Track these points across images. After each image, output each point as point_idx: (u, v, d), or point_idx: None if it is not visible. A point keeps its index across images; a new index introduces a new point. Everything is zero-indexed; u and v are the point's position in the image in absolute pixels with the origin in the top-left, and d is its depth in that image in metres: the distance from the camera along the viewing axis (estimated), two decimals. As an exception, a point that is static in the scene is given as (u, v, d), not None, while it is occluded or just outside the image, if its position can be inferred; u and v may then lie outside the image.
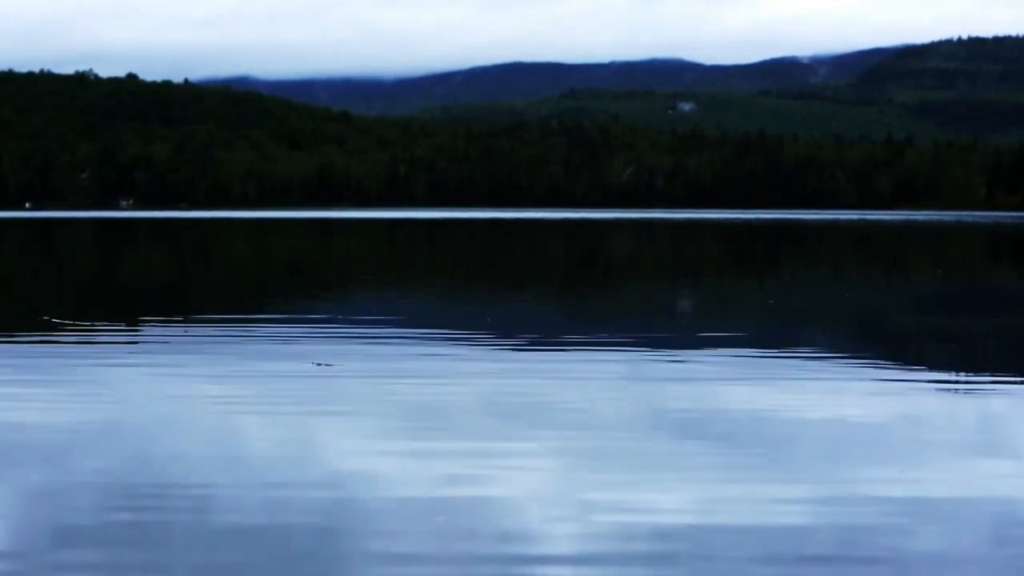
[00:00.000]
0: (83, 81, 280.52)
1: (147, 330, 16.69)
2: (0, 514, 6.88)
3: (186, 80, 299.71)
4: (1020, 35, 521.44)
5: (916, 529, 6.67)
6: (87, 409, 10.22)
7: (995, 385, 11.94)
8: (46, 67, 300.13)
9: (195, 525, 6.61)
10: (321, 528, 6.59)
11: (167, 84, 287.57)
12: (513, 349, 14.54)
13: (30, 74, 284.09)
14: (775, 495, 7.35)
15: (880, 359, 13.89)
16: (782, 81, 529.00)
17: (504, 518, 6.83)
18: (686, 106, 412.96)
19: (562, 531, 6.59)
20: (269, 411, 10.19)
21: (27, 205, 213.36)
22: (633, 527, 6.62)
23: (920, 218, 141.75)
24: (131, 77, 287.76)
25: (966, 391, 11.59)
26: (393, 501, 7.15)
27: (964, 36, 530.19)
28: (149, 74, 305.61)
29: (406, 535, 6.46)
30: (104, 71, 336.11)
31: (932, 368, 13.02)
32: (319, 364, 12.86)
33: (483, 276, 33.14)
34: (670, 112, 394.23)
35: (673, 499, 7.27)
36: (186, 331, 16.24)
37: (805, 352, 14.43)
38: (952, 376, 12.48)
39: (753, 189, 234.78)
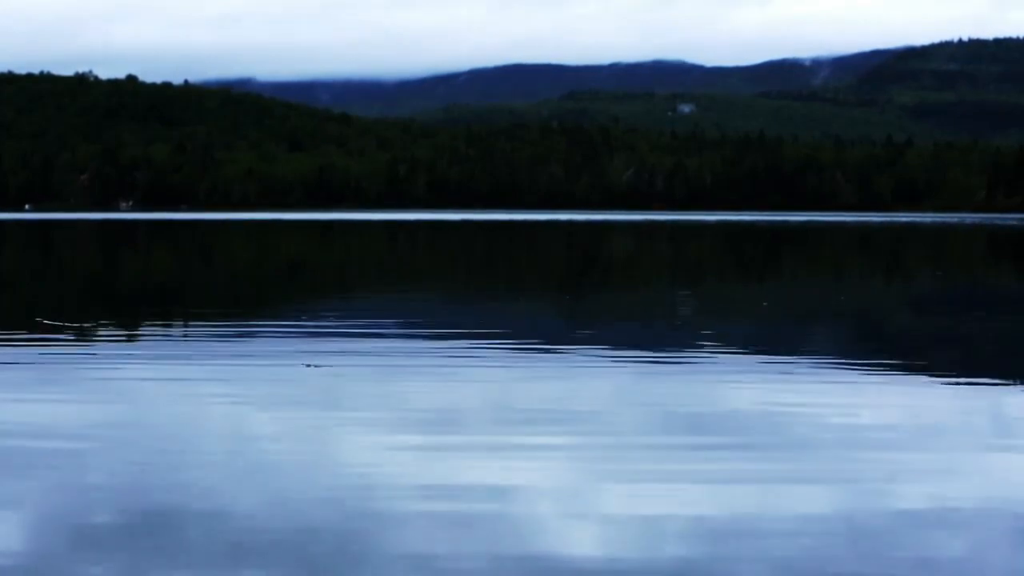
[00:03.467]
0: (83, 82, 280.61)
1: (146, 332, 16.63)
2: (16, 520, 6.81)
3: (186, 81, 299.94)
4: (1020, 37, 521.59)
5: (937, 531, 6.62)
6: (90, 414, 10.15)
7: (1005, 386, 11.89)
8: (46, 68, 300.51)
9: (212, 533, 6.53)
10: (340, 533, 6.52)
11: (167, 85, 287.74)
12: (516, 351, 14.48)
13: (30, 75, 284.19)
14: (795, 499, 7.30)
15: (886, 360, 13.84)
16: (783, 83, 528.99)
17: (525, 524, 6.77)
18: (686, 107, 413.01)
19: (583, 535, 6.54)
20: (276, 414, 10.12)
21: (27, 207, 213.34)
22: (655, 532, 6.57)
23: (920, 219, 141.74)
24: (131, 78, 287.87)
25: (976, 392, 11.53)
26: (411, 505, 7.10)
27: (964, 38, 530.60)
28: (151, 77, 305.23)
29: (426, 539, 6.40)
30: (105, 73, 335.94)
31: (940, 369, 12.97)
32: (310, 366, 12.79)
33: (483, 277, 33.08)
34: (670, 113, 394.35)
35: (692, 502, 7.22)
36: (186, 333, 16.19)
37: (811, 354, 14.38)
38: (961, 377, 12.42)
39: (753, 190, 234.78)
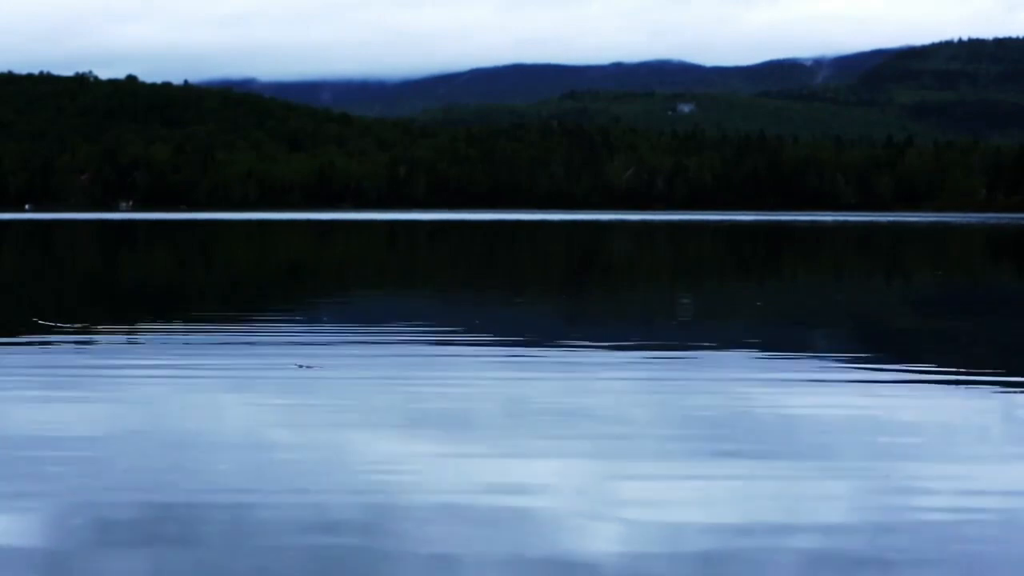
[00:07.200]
0: (83, 82, 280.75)
1: (147, 333, 16.55)
2: (33, 524, 6.72)
3: (186, 81, 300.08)
4: (1020, 36, 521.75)
5: (959, 533, 6.57)
6: (97, 415, 10.08)
7: (1012, 385, 11.82)
8: (46, 68, 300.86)
9: (233, 536, 6.45)
10: (362, 536, 6.45)
11: (167, 85, 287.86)
12: (520, 351, 14.41)
13: (30, 75, 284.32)
14: (814, 500, 7.24)
15: (891, 360, 13.78)
16: (783, 83, 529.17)
17: (546, 525, 6.71)
18: (686, 107, 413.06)
19: (604, 536, 6.48)
20: (285, 415, 10.05)
21: (27, 207, 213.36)
22: (676, 533, 6.51)
23: (920, 219, 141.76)
24: (131, 78, 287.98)
25: (984, 392, 11.46)
26: (431, 506, 7.02)
27: (965, 38, 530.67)
28: (151, 77, 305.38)
29: (448, 541, 6.34)
30: (105, 73, 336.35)
31: (945, 369, 12.91)
32: (302, 366, 12.71)
33: (484, 278, 33.04)
34: (670, 113, 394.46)
35: (712, 503, 7.16)
36: (187, 334, 16.12)
37: (815, 354, 14.32)
38: (967, 377, 12.36)
39: (753, 190, 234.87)
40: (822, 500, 7.25)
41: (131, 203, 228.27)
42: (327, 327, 16.94)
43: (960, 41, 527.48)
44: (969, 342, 16.53)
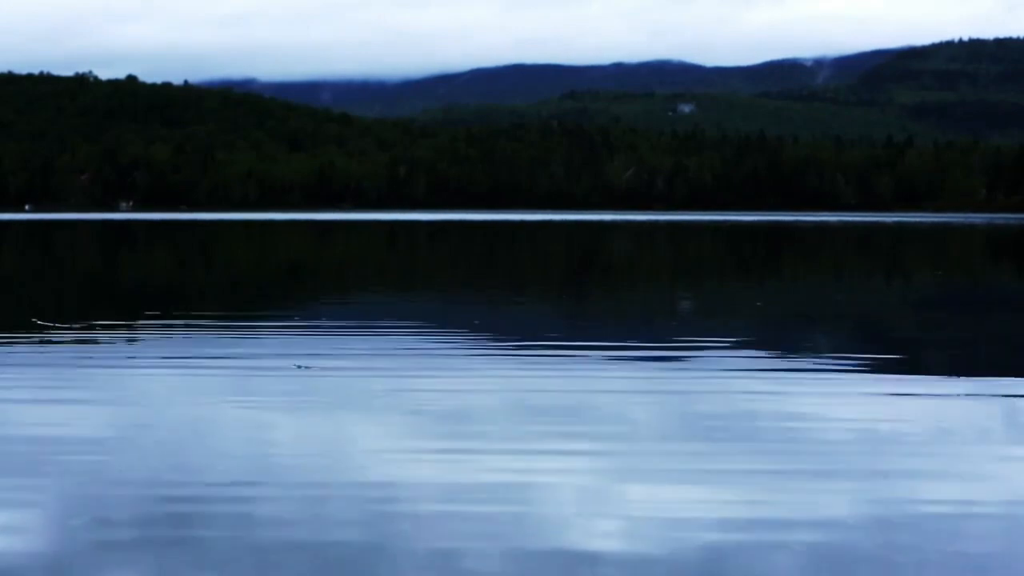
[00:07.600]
0: (83, 83, 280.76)
1: (147, 333, 16.55)
2: (37, 524, 6.71)
3: (186, 81, 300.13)
4: (1020, 37, 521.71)
5: (961, 531, 6.57)
6: (99, 416, 10.07)
7: (1012, 384, 11.82)
8: (46, 68, 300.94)
9: (235, 535, 6.44)
10: (363, 534, 6.45)
11: (167, 85, 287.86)
12: (521, 351, 14.41)
13: (30, 75, 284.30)
14: (816, 500, 7.24)
15: (891, 360, 13.78)
16: (783, 83, 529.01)
17: (548, 523, 6.71)
18: (686, 107, 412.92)
19: (606, 535, 6.48)
20: (286, 415, 10.04)
21: (27, 207, 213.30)
22: (680, 533, 6.51)
23: (920, 219, 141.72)
24: (131, 78, 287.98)
25: (984, 391, 11.45)
26: (433, 505, 7.03)
27: (965, 38, 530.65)
28: (151, 77, 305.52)
29: (449, 540, 6.34)
30: (105, 73, 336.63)
31: (945, 369, 12.91)
32: (301, 367, 12.68)
33: (484, 278, 33.02)
34: (670, 113, 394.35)
35: (713, 501, 7.15)
36: (188, 334, 16.11)
37: (816, 353, 14.31)
38: (968, 377, 12.35)
39: (753, 190, 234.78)
40: (822, 498, 7.25)
41: (131, 203, 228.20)
42: (327, 327, 16.93)
43: (960, 41, 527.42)
44: (969, 342, 16.52)
